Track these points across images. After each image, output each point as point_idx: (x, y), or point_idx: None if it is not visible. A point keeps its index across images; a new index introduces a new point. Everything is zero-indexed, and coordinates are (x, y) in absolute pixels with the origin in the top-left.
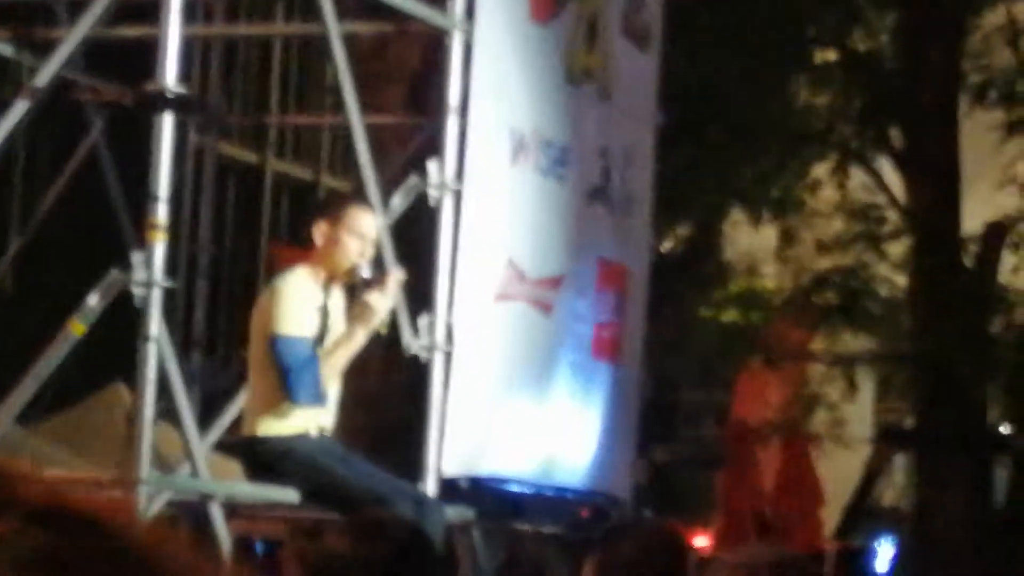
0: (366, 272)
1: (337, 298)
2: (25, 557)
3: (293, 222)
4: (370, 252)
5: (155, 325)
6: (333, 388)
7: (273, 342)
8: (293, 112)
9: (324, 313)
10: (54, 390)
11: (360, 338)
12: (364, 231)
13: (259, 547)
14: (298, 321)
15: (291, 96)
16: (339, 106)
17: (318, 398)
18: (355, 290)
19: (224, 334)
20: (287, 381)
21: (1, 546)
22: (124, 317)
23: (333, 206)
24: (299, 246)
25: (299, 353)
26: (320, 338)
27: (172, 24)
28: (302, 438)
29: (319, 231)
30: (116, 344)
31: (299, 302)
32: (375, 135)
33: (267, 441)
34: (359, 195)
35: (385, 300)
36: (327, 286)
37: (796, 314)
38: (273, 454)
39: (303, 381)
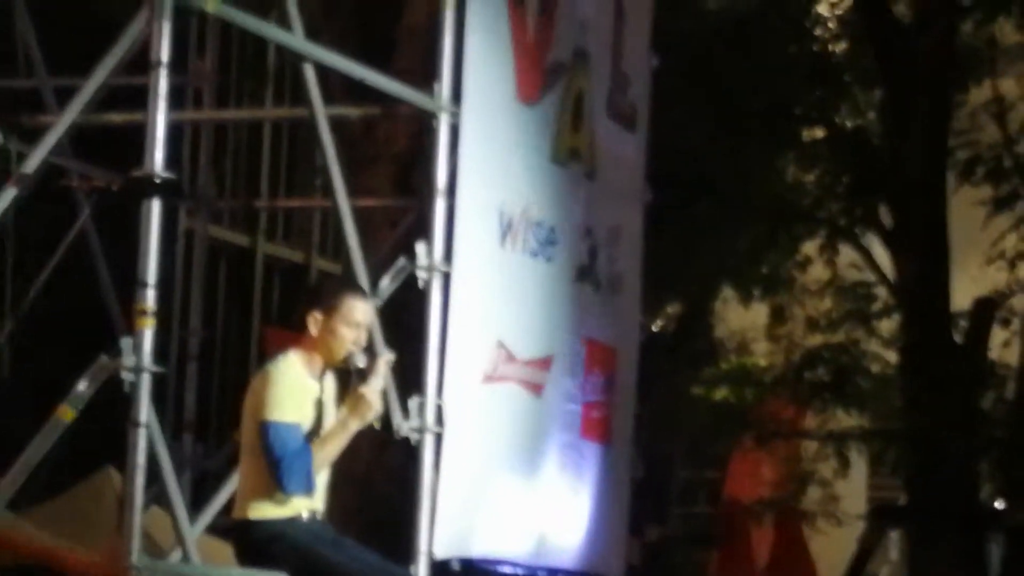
0: (361, 361)
1: (330, 385)
2: None
3: (284, 304)
4: (364, 339)
5: (144, 411)
6: (324, 473)
7: (264, 429)
8: (283, 195)
9: (319, 404)
10: (45, 476)
11: (353, 430)
12: (359, 320)
13: None
14: (290, 407)
15: (281, 179)
16: (328, 189)
17: (308, 487)
18: (349, 376)
19: (216, 417)
20: (278, 471)
21: None
22: (115, 402)
23: (327, 295)
24: (292, 329)
25: (290, 441)
26: (315, 429)
27: (159, 110)
28: (294, 522)
29: (313, 320)
30: (107, 430)
31: (291, 388)
32: (364, 217)
33: (259, 524)
34: (351, 281)
35: (379, 392)
36: (321, 374)
37: (787, 392)
38: (264, 538)
39: (294, 470)
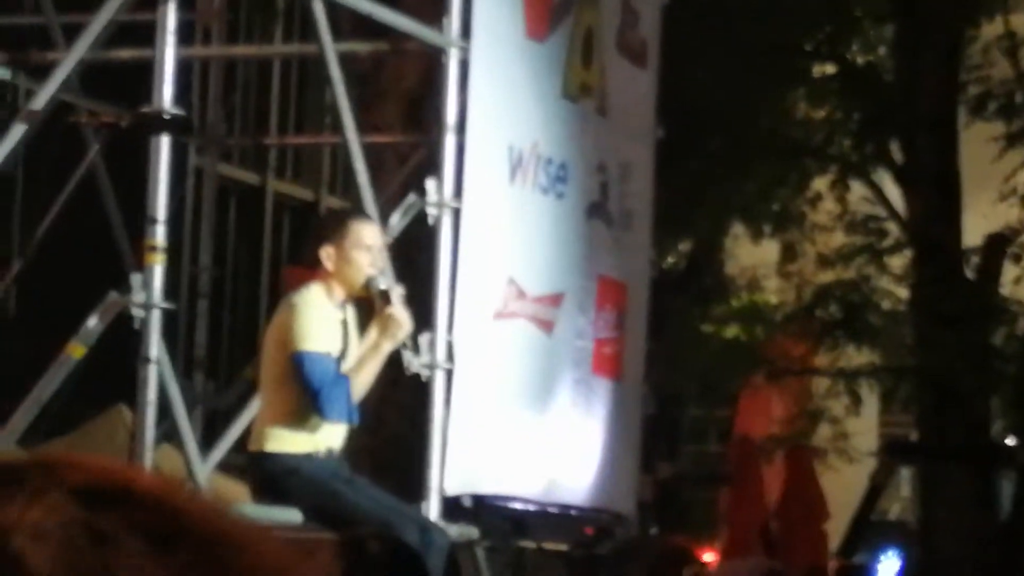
0: (383, 283)
1: (351, 315)
2: (69, 531)
3: (294, 242)
4: (380, 262)
5: (155, 347)
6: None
7: (299, 360)
8: (293, 132)
9: (344, 330)
10: (56, 413)
11: (386, 351)
12: (370, 242)
13: None
14: (320, 336)
15: (291, 116)
16: (338, 126)
17: (349, 415)
18: (369, 309)
19: (226, 354)
20: (317, 399)
21: (44, 523)
22: (126, 339)
23: (333, 228)
24: (309, 267)
25: (326, 370)
26: (342, 355)
27: (168, 46)
28: (309, 458)
29: (326, 255)
30: (118, 366)
31: (319, 318)
32: (374, 154)
33: (275, 457)
34: (352, 210)
35: (407, 314)
36: (342, 304)
37: (798, 329)
38: (279, 471)
39: (334, 398)
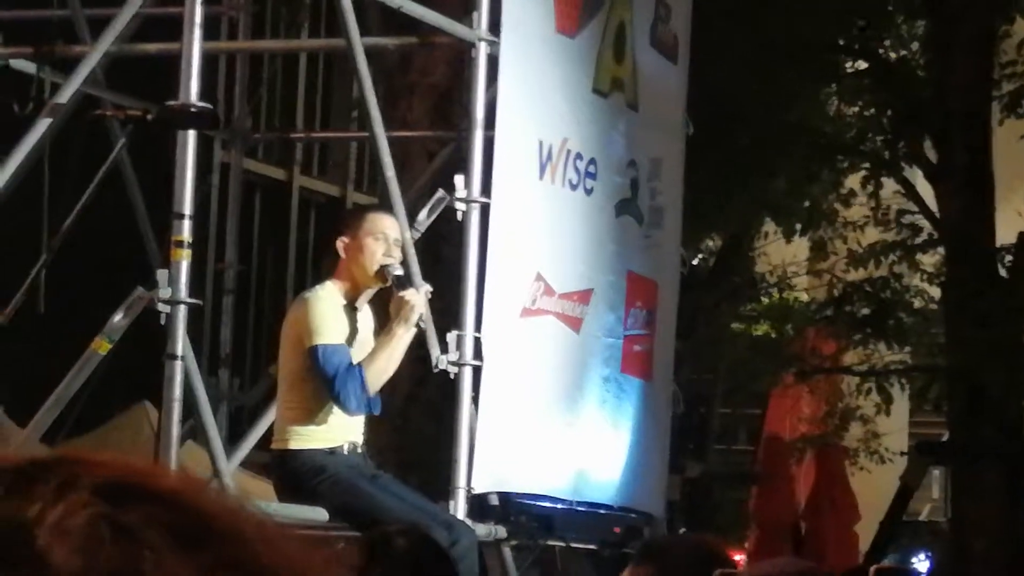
0: (398, 270)
1: (368, 316)
2: (93, 527)
3: (320, 238)
4: (397, 253)
5: (180, 343)
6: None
7: (313, 353)
8: (319, 127)
9: (352, 328)
10: (81, 409)
11: (400, 335)
12: (385, 231)
13: None
14: (334, 330)
15: (317, 111)
16: (365, 121)
17: (368, 404)
18: (387, 312)
19: (252, 351)
20: (334, 388)
21: (67, 519)
22: (152, 336)
23: (350, 220)
24: (328, 263)
25: (342, 360)
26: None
27: (194, 40)
28: (333, 453)
29: (342, 246)
30: (144, 363)
31: (332, 313)
32: (401, 149)
33: (299, 454)
34: (372, 205)
35: (421, 297)
36: (355, 303)
37: (828, 327)
38: (305, 469)
39: (348, 387)
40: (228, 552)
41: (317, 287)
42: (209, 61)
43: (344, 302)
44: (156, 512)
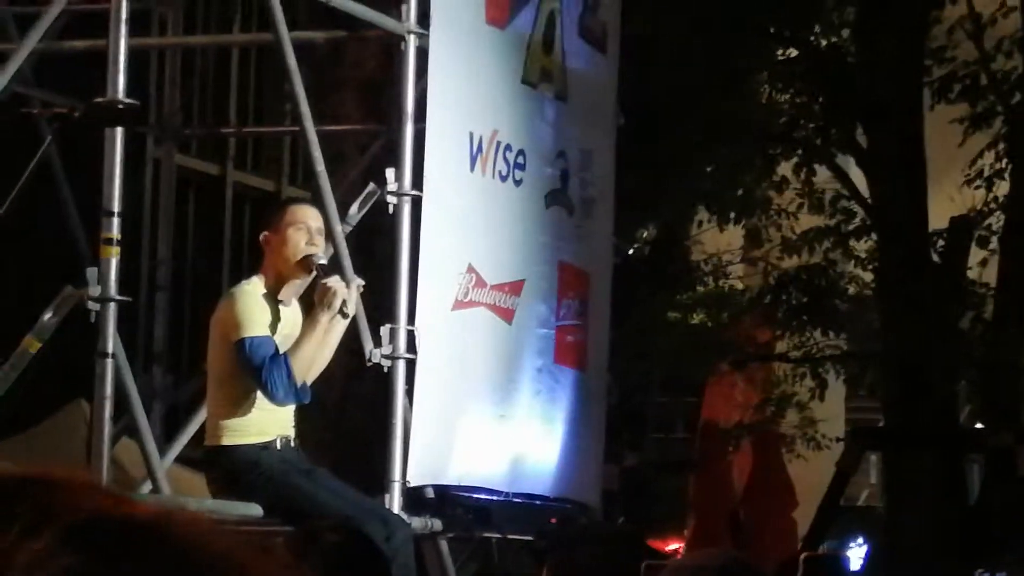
0: (321, 259)
1: (295, 310)
2: None
3: (255, 233)
4: (320, 244)
5: (111, 341)
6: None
7: (240, 346)
8: (252, 122)
9: (279, 321)
10: (16, 409)
11: (324, 323)
12: (306, 221)
13: None
14: (259, 323)
15: (250, 106)
16: (297, 115)
17: (296, 393)
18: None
19: (187, 348)
20: (261, 379)
21: (36, 570)
22: (89, 334)
23: (270, 214)
24: (257, 261)
25: (268, 351)
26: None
27: (121, 36)
28: (267, 448)
29: (265, 241)
30: (79, 361)
31: (257, 306)
32: (333, 144)
33: (232, 450)
34: (291, 197)
35: (344, 284)
36: (280, 297)
37: (762, 314)
38: (238, 465)
39: (275, 377)
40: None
41: (243, 282)
42: (140, 57)
43: (270, 296)
44: (130, 554)
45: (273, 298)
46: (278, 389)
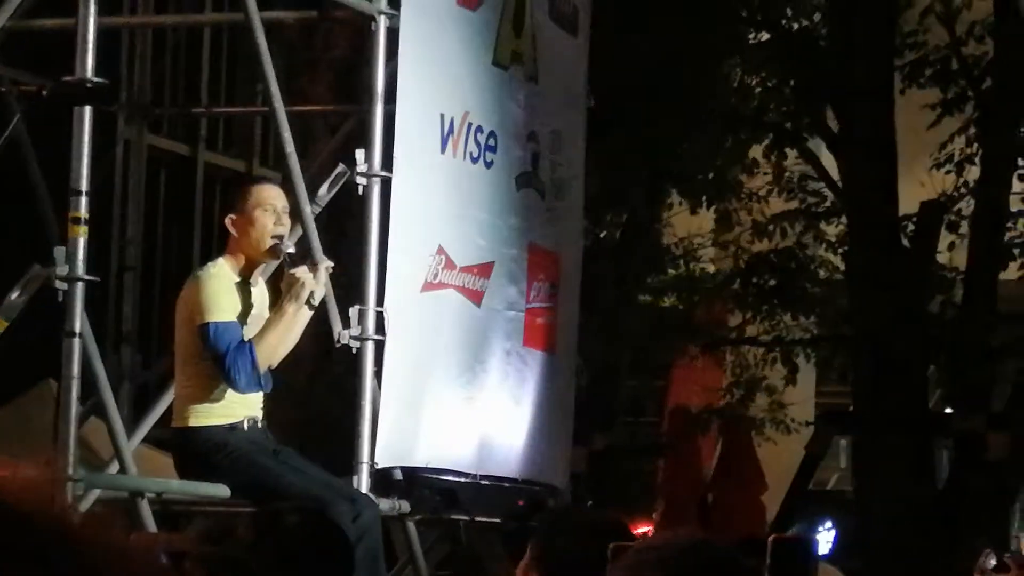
0: (291, 247)
1: (261, 291)
2: None
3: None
4: (287, 223)
5: (78, 320)
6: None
7: (204, 330)
8: (224, 102)
9: (246, 304)
10: None
11: (291, 313)
12: (271, 201)
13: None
14: (226, 307)
15: (222, 86)
16: (266, 96)
17: (258, 382)
18: (282, 273)
19: (156, 328)
20: (224, 366)
21: None
22: (59, 313)
23: (233, 195)
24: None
25: (233, 337)
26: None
27: (90, 15)
28: (235, 430)
29: (230, 223)
30: (48, 341)
31: (223, 290)
32: (304, 124)
33: (199, 432)
34: (252, 176)
35: (311, 275)
36: (249, 279)
37: (734, 298)
38: (206, 446)
39: (240, 364)
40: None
41: (209, 264)
42: (111, 36)
43: (237, 278)
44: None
45: (242, 281)
46: (240, 377)
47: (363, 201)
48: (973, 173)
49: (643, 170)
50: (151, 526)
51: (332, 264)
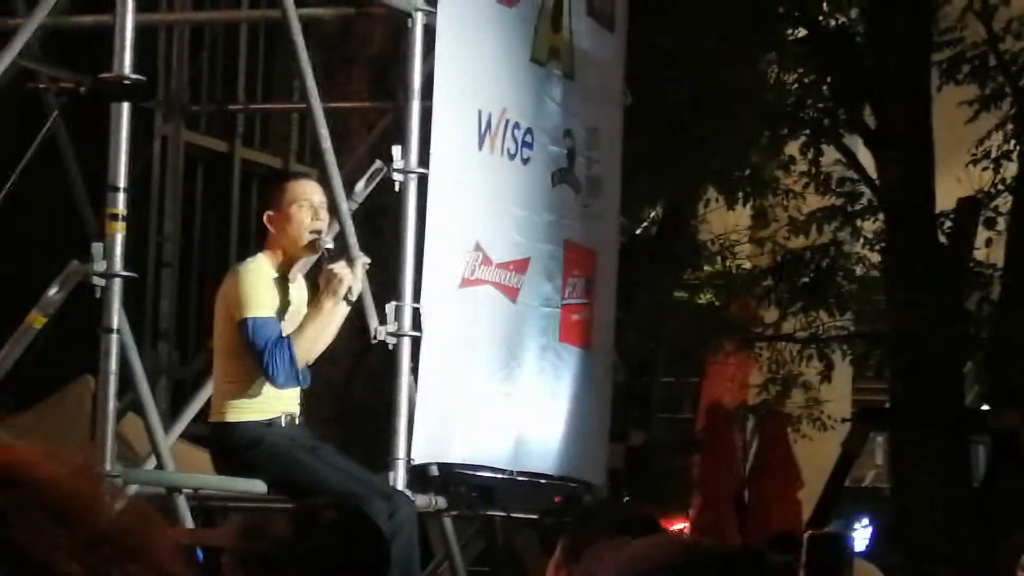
0: (329, 243)
1: (300, 287)
2: None
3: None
4: (324, 217)
5: (115, 316)
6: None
7: (244, 326)
8: (261, 99)
9: (284, 300)
10: (25, 383)
11: (329, 309)
12: (309, 196)
13: (200, 555)
14: (265, 302)
15: (259, 83)
16: (303, 92)
17: (296, 378)
18: (320, 269)
19: (194, 324)
20: (263, 361)
21: None
22: (98, 310)
23: (270, 192)
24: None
25: (271, 333)
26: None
27: (127, 12)
28: (272, 426)
29: (268, 220)
30: (87, 337)
31: (263, 285)
32: (341, 121)
33: (236, 427)
34: (289, 172)
35: (350, 271)
36: (287, 275)
37: (770, 294)
38: (242, 442)
39: (278, 360)
40: (101, 534)
41: (248, 259)
42: (149, 33)
43: (276, 274)
44: (28, 495)
45: (280, 277)
46: (279, 374)
47: (400, 197)
48: (1010, 169)
49: (680, 166)
50: (188, 522)
51: (369, 260)
